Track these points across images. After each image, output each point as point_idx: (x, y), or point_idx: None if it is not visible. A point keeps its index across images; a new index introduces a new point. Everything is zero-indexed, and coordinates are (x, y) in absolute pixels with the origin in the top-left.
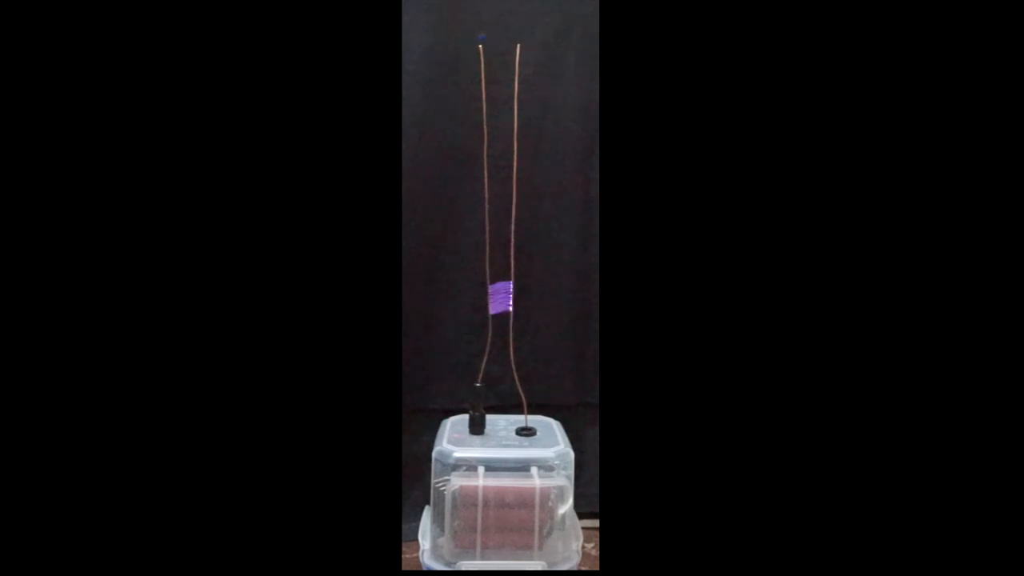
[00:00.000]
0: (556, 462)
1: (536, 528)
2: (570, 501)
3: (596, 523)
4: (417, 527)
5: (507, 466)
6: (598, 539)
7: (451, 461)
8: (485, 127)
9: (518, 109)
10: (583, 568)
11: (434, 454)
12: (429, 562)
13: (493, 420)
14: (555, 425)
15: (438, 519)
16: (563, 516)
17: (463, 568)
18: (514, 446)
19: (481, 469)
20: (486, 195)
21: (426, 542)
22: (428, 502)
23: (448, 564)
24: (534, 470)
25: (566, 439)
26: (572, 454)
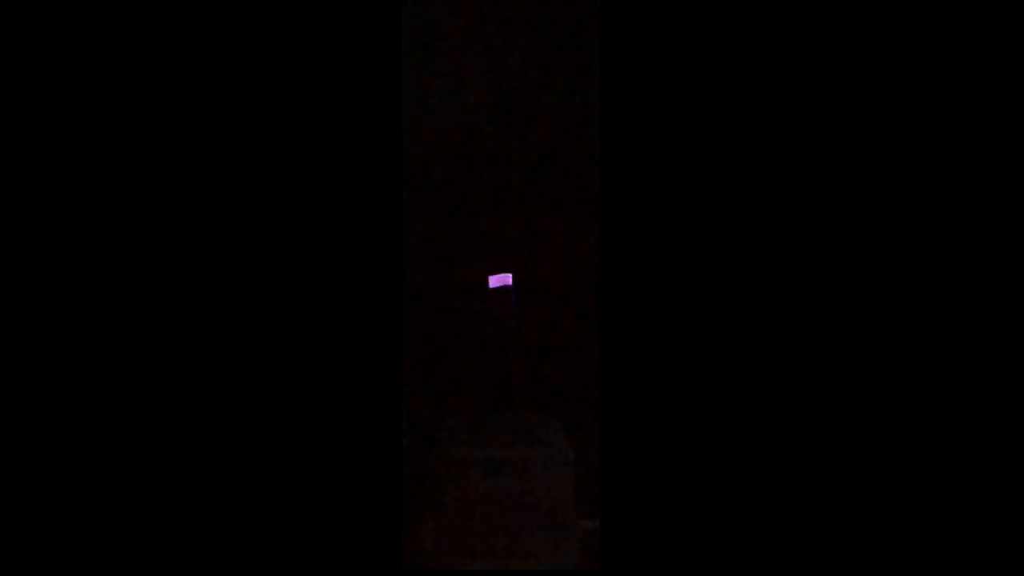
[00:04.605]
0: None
1: None
2: None
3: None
4: None
5: None
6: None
7: None
8: None
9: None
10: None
11: None
12: None
13: None
14: (556, 425)
15: None
16: None
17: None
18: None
19: None
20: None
21: None
22: None
23: None
24: None
25: (566, 439)
26: (572, 454)
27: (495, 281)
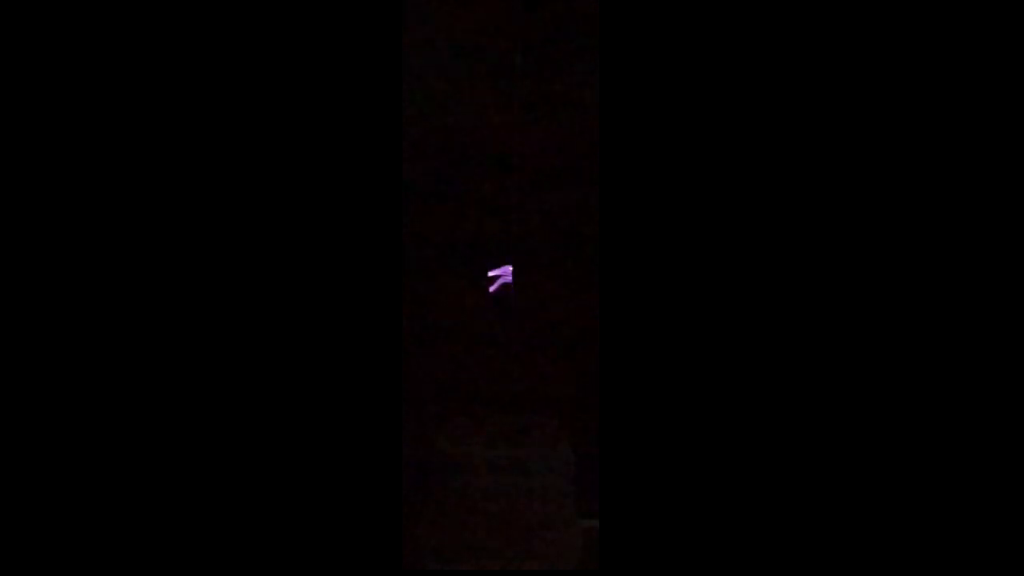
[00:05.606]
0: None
1: None
2: None
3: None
4: None
5: None
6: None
7: None
8: None
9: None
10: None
11: None
12: None
13: None
14: (556, 425)
15: None
16: None
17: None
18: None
19: None
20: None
21: None
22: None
23: None
24: None
25: (566, 439)
26: (572, 454)
27: (496, 284)
